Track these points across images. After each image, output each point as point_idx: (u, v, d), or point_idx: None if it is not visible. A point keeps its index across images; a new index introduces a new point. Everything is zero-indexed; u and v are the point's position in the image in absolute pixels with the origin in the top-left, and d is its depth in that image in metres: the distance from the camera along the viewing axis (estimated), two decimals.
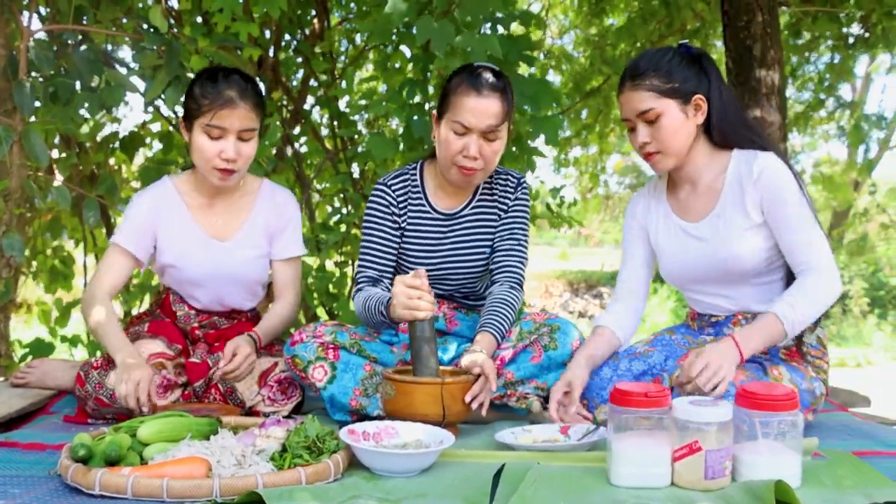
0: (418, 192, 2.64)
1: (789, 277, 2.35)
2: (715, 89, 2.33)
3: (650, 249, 2.55)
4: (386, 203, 2.62)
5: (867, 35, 5.85)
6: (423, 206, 2.64)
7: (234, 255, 2.63)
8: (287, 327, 2.71)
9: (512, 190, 2.66)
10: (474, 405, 2.22)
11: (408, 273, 2.60)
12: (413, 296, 2.20)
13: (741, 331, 2.18)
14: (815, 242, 2.24)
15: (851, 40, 6.04)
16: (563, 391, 2.32)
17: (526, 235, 2.65)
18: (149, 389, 2.26)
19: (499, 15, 3.26)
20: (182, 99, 2.79)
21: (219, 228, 2.64)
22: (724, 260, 2.33)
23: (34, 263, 4.08)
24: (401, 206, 2.63)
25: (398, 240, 2.62)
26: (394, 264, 2.63)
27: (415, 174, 2.67)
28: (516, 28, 3.59)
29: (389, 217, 2.61)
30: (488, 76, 2.45)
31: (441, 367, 2.31)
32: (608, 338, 2.49)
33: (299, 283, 2.75)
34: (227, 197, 2.65)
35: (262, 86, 4.23)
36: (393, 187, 2.63)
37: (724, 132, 2.34)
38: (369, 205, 2.64)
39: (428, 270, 2.59)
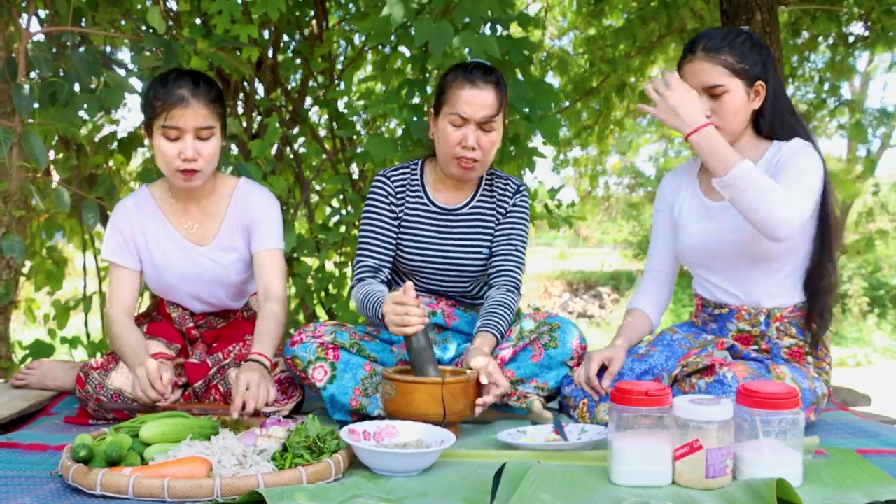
0: (417, 186, 2.67)
1: (805, 275, 2.37)
2: (772, 80, 2.37)
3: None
4: (385, 193, 2.64)
5: (867, 33, 5.85)
6: (422, 198, 2.66)
7: (212, 259, 2.60)
8: (283, 328, 2.54)
9: (511, 194, 2.68)
10: (478, 410, 2.24)
11: (403, 265, 2.63)
12: (400, 312, 2.21)
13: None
14: (796, 186, 2.20)
15: (851, 39, 6.04)
16: (601, 363, 2.39)
17: (524, 241, 2.68)
18: (160, 375, 2.28)
19: (498, 16, 3.26)
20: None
21: (195, 234, 2.61)
22: (742, 238, 2.33)
23: (28, 264, 4.07)
24: (399, 197, 2.65)
25: (397, 230, 2.64)
26: (392, 254, 2.64)
27: (415, 169, 2.70)
28: (515, 31, 3.59)
29: (388, 207, 2.64)
30: (482, 69, 2.52)
31: (441, 367, 2.32)
32: (643, 321, 2.59)
33: (283, 278, 2.61)
34: (201, 201, 2.61)
35: (259, 89, 4.26)
36: (392, 178, 2.67)
37: (773, 123, 2.38)
38: (369, 195, 2.67)
39: (424, 265, 2.62)
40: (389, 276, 2.65)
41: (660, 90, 2.24)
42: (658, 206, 2.65)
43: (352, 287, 2.58)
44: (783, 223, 2.12)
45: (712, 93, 2.33)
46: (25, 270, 3.95)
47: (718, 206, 2.42)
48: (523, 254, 2.67)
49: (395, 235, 2.64)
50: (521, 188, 2.71)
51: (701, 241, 2.45)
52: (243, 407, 2.17)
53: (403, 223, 2.65)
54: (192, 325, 2.71)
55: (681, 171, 2.62)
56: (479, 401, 2.23)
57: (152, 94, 2.42)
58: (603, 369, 2.42)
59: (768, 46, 2.43)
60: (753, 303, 2.41)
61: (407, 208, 2.66)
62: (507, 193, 2.69)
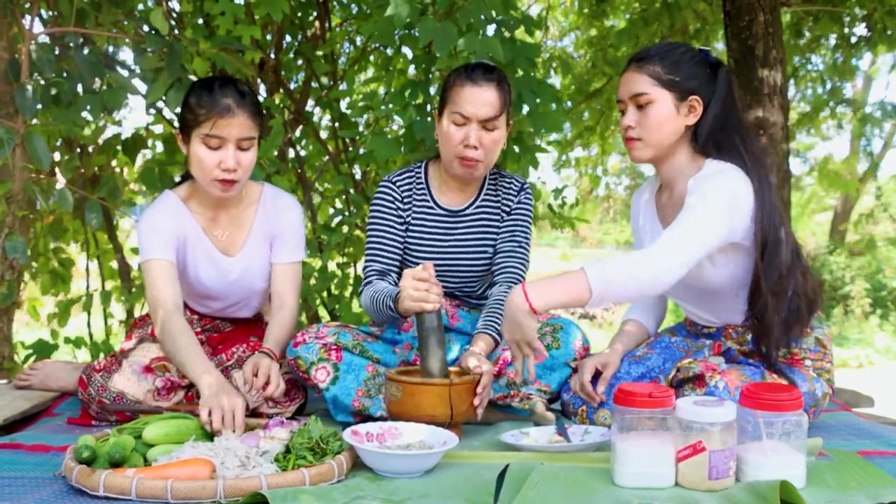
0: (422, 189, 2.67)
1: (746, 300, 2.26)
2: (718, 99, 2.26)
3: None
4: (391, 198, 2.64)
5: (869, 34, 5.85)
6: (428, 202, 2.66)
7: (241, 268, 2.60)
8: (293, 335, 2.56)
9: (515, 193, 2.68)
10: (476, 402, 2.23)
11: (410, 268, 2.63)
12: (421, 287, 2.21)
13: (536, 282, 2.08)
14: (674, 231, 2.09)
15: (854, 40, 6.05)
16: (594, 369, 2.36)
17: (528, 239, 2.67)
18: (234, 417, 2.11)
19: (501, 18, 3.26)
20: (178, 110, 2.73)
21: (224, 242, 2.59)
22: (689, 277, 2.19)
23: (34, 265, 4.08)
24: (405, 201, 2.66)
25: (404, 234, 2.64)
26: (400, 258, 2.65)
27: (420, 172, 2.70)
28: (521, 34, 3.58)
29: (395, 212, 2.64)
30: (483, 68, 2.52)
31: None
32: (639, 328, 2.56)
33: (299, 288, 2.67)
34: (231, 209, 2.59)
35: (262, 90, 4.26)
36: (398, 183, 2.67)
37: (708, 141, 2.26)
38: (375, 201, 2.67)
39: None
40: (396, 281, 2.65)
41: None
42: (634, 218, 2.60)
43: (360, 292, 2.58)
44: (658, 284, 2.05)
45: (637, 101, 2.27)
46: (31, 272, 3.96)
47: None
48: (527, 251, 2.67)
49: (402, 240, 2.64)
50: (525, 186, 2.71)
51: None
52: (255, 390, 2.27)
53: (411, 227, 2.66)
54: (199, 329, 2.71)
55: (645, 188, 2.56)
56: (476, 400, 2.22)
57: (195, 100, 2.38)
58: (598, 375, 2.40)
59: (725, 66, 2.34)
60: (732, 322, 2.36)
61: (414, 212, 2.66)
62: (512, 192, 2.69)
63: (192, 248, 2.57)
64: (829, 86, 7.02)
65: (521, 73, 3.30)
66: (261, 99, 4.11)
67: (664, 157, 2.33)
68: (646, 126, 2.27)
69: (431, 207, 2.67)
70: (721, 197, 2.11)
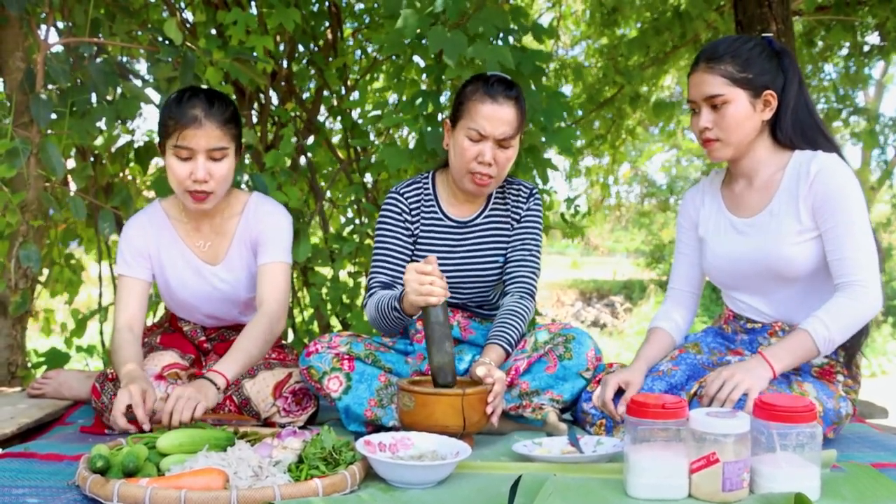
0: (431, 201, 2.66)
1: None
2: (791, 88, 2.30)
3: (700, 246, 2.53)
4: (399, 210, 2.63)
5: (882, 43, 5.84)
6: (436, 213, 2.65)
7: (224, 278, 2.60)
8: (265, 346, 2.43)
9: (524, 200, 2.67)
10: (488, 410, 2.22)
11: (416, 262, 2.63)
12: (425, 281, 2.19)
13: (770, 347, 2.18)
14: (860, 256, 2.19)
15: (866, 48, 6.04)
16: (618, 386, 2.34)
17: (538, 246, 2.66)
18: (142, 401, 2.13)
19: (513, 27, 3.26)
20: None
21: (207, 252, 2.59)
22: (770, 259, 2.29)
23: (45, 271, 4.09)
24: (413, 213, 2.64)
25: (411, 247, 2.63)
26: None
27: (427, 183, 2.68)
28: (529, 41, 3.60)
29: (402, 224, 2.63)
30: (503, 85, 2.48)
31: (458, 378, 2.31)
32: (664, 340, 2.52)
33: (282, 293, 2.54)
34: (214, 220, 2.59)
35: (274, 99, 4.27)
36: (406, 195, 2.65)
37: (793, 133, 2.32)
38: (382, 213, 2.65)
39: None
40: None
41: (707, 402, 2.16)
42: (681, 223, 2.59)
43: (364, 304, 2.58)
44: (879, 304, 2.21)
45: (712, 103, 2.28)
46: (42, 279, 3.98)
47: (744, 222, 2.37)
48: (538, 259, 2.66)
49: (409, 253, 2.63)
50: (534, 192, 2.69)
51: (728, 259, 2.39)
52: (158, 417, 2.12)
53: (419, 239, 2.64)
54: (203, 338, 2.71)
55: (703, 186, 2.56)
56: (489, 409, 2.20)
57: (166, 113, 2.40)
58: (620, 392, 2.37)
59: (790, 53, 2.36)
60: (787, 320, 2.36)
61: (422, 224, 2.65)
62: (521, 199, 2.68)
63: (169, 257, 2.58)
64: (840, 94, 7.00)
65: (532, 84, 3.30)
66: (273, 106, 4.16)
67: (743, 153, 2.35)
68: (724, 127, 2.29)
69: (440, 219, 2.66)
70: (858, 191, 2.23)
